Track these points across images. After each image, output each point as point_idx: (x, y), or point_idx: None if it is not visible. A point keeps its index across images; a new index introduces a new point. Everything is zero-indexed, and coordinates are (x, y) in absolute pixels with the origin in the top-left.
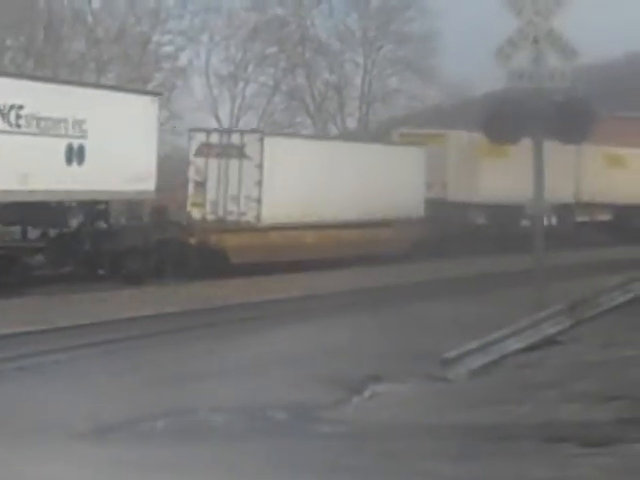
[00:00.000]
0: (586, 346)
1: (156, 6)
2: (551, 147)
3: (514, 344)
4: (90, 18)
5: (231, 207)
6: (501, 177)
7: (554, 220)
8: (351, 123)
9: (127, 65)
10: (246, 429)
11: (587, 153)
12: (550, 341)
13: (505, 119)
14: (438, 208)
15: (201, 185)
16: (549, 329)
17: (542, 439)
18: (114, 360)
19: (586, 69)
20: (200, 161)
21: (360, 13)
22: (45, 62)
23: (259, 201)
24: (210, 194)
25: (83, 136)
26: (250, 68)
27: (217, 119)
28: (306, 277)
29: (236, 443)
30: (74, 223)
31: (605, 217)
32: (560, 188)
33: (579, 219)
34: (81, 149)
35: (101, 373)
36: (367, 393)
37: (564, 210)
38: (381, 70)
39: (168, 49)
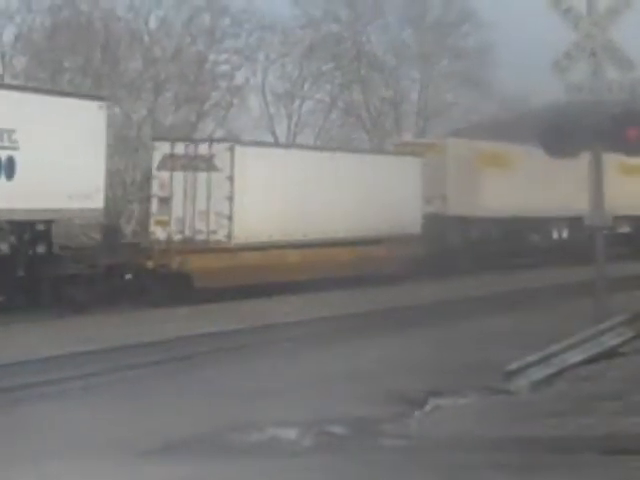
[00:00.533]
0: None
1: (212, 25)
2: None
3: (575, 356)
4: (147, 38)
5: (199, 225)
6: (505, 188)
7: (565, 233)
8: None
9: (184, 84)
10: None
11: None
12: (612, 353)
13: (563, 132)
14: (438, 223)
15: (166, 201)
16: (611, 341)
17: (604, 451)
18: None
19: None
20: (164, 175)
21: (415, 28)
22: (102, 82)
23: (230, 218)
24: (176, 211)
25: (13, 147)
26: (306, 85)
27: (274, 136)
28: (274, 302)
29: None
30: (4, 247)
31: (625, 229)
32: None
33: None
34: (11, 162)
35: None
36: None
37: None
38: (437, 85)
39: (224, 68)
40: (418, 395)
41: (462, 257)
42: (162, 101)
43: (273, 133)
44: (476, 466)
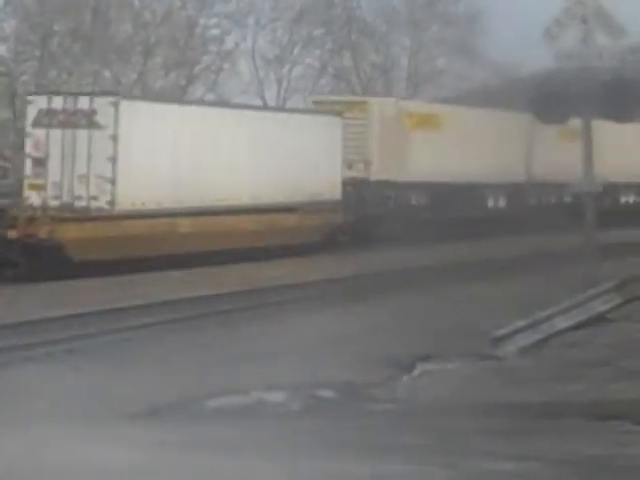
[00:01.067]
0: (636, 324)
1: None
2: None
3: (563, 322)
4: (137, 1)
5: (79, 190)
6: (436, 152)
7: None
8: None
9: (173, 48)
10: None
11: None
12: (600, 319)
13: (553, 99)
14: (360, 189)
15: (41, 162)
16: (599, 307)
17: (593, 417)
18: None
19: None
20: (40, 132)
21: None
22: (92, 46)
23: (113, 182)
24: (52, 174)
25: None
26: (296, 50)
27: (263, 101)
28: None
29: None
30: None
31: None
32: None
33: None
34: None
35: None
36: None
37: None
38: (427, 51)
39: (214, 32)
40: (406, 360)
41: (384, 227)
42: (152, 65)
43: (262, 98)
44: (464, 431)
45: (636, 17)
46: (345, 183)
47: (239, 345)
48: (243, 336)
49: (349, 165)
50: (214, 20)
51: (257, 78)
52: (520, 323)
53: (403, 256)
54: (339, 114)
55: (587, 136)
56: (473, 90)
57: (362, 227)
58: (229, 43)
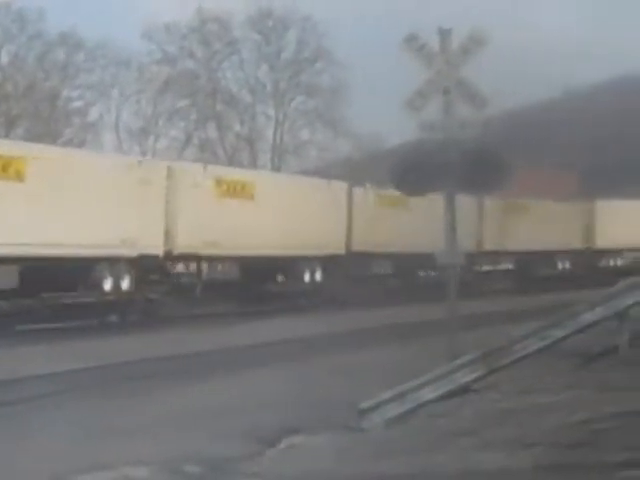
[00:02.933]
0: (501, 394)
1: (66, 60)
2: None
3: (429, 393)
4: None
5: None
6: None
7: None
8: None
9: (37, 120)
10: None
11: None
12: (466, 389)
13: (416, 171)
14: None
15: None
16: (464, 377)
17: None
18: None
19: (497, 118)
20: None
21: (271, 65)
22: None
23: None
24: None
25: None
26: (161, 122)
27: None
28: None
29: None
30: None
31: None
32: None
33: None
34: None
35: None
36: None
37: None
38: (292, 122)
39: (78, 104)
40: (273, 433)
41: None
42: (14, 137)
43: None
44: None
45: (498, 87)
46: None
47: (108, 419)
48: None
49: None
50: (78, 91)
51: (121, 150)
52: (387, 394)
53: (264, 327)
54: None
55: (450, 208)
56: (336, 161)
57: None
58: (93, 115)
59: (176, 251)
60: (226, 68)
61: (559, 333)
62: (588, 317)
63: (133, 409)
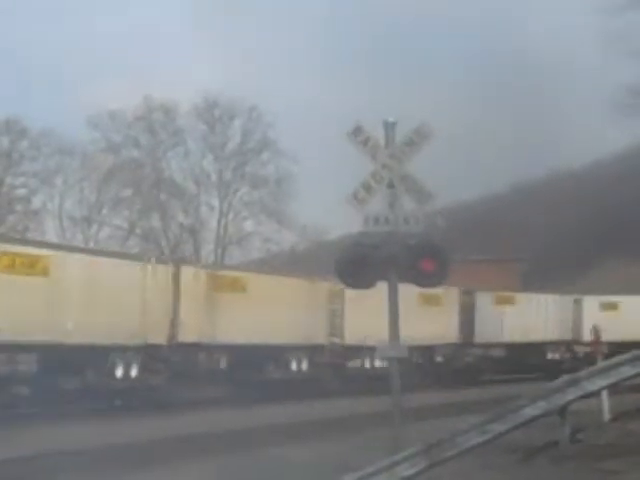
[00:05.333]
0: None
1: (10, 148)
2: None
3: None
4: None
5: None
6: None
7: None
8: None
9: None
10: None
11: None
12: None
13: (359, 263)
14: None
15: None
16: (405, 471)
17: None
18: None
19: (442, 211)
20: None
21: (216, 155)
22: None
23: None
24: None
25: None
26: (104, 210)
27: None
28: None
29: None
30: None
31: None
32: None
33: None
34: None
35: None
36: None
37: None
38: (237, 213)
39: (21, 191)
40: None
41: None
42: None
43: None
44: None
45: (442, 182)
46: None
47: None
48: None
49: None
50: (21, 179)
51: (64, 239)
52: None
53: (210, 418)
54: None
55: (393, 300)
56: (281, 253)
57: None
58: (36, 202)
59: None
60: (171, 157)
61: (500, 427)
62: (529, 411)
63: None
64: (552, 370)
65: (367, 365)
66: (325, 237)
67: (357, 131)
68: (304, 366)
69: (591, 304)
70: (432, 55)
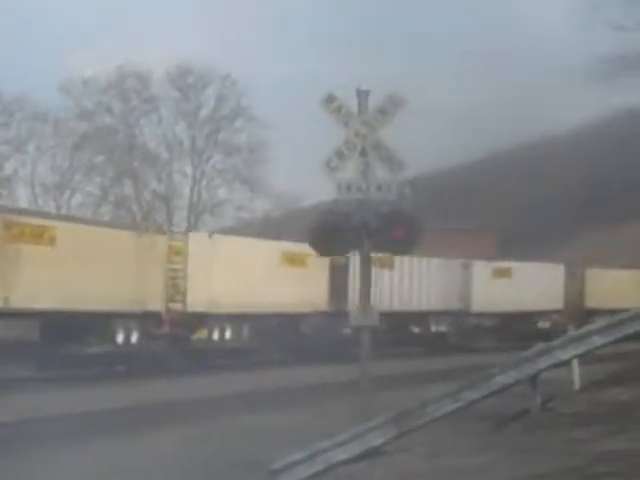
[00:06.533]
0: (413, 456)
1: None
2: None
3: (340, 454)
4: None
5: None
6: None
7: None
8: None
9: None
10: None
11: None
12: (377, 451)
13: (331, 231)
14: None
15: None
16: (375, 440)
17: None
18: None
19: (415, 179)
20: None
21: (189, 122)
22: None
23: None
24: None
25: None
26: (77, 177)
27: None
28: None
29: None
30: None
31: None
32: None
33: None
34: None
35: None
36: None
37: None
38: (210, 180)
39: None
40: None
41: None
42: None
43: None
44: None
45: (415, 151)
46: None
47: None
48: None
49: None
50: None
51: (36, 205)
52: (297, 455)
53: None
54: None
55: (365, 268)
56: (254, 220)
57: None
58: (8, 169)
59: None
60: (144, 124)
61: (472, 395)
62: (501, 380)
63: None
64: (438, 344)
65: (216, 337)
66: (299, 205)
67: (330, 99)
68: (134, 338)
69: (482, 270)
70: (406, 22)
